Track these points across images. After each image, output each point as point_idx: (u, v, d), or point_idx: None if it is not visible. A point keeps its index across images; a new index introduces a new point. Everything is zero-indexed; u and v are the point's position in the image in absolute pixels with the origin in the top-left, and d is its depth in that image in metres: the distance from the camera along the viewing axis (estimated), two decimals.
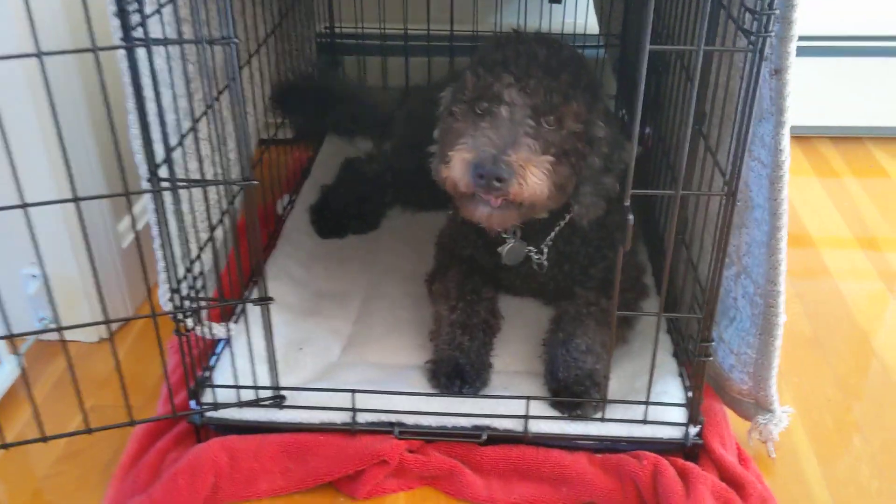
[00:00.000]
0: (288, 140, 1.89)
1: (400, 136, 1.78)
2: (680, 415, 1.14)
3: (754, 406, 1.19)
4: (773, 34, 0.93)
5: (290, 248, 1.57)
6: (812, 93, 2.16)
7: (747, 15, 0.98)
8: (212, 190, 1.30)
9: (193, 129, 1.16)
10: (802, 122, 2.21)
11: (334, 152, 1.94)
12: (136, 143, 1.06)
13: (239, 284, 1.35)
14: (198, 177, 1.17)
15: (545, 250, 1.34)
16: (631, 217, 0.98)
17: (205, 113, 1.23)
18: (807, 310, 1.58)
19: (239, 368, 1.17)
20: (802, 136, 2.25)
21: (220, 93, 1.28)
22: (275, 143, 1.71)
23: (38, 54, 0.91)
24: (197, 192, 1.22)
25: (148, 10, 0.98)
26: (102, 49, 0.92)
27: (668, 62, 1.51)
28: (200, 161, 1.16)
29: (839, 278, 1.70)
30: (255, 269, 1.12)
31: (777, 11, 0.92)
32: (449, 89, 1.29)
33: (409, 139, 1.70)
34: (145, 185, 1.06)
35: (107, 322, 1.05)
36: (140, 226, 1.53)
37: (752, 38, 0.93)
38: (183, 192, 1.12)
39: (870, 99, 2.20)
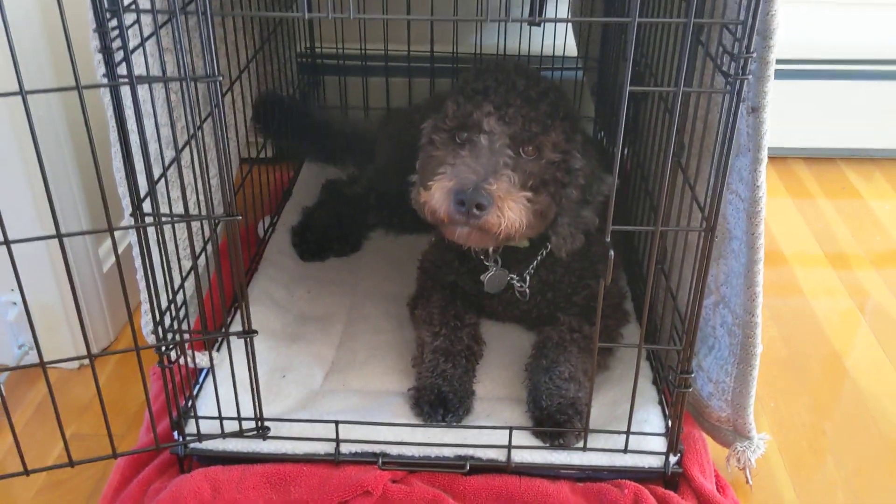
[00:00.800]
0: (269, 159, 1.89)
1: (382, 159, 1.79)
2: (660, 444, 1.16)
3: (732, 433, 1.21)
4: (750, 76, 0.95)
5: (272, 271, 1.57)
6: (787, 115, 2.20)
7: (725, 56, 1.00)
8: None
9: (177, 159, 1.16)
10: (777, 144, 2.25)
11: (316, 173, 1.95)
12: (119, 176, 1.06)
13: (221, 310, 1.35)
14: (180, 205, 1.17)
15: (527, 278, 1.36)
16: (612, 253, 0.99)
17: (187, 143, 1.23)
18: (782, 332, 1.61)
19: (222, 397, 1.17)
20: (777, 157, 2.29)
21: (202, 121, 1.28)
22: (257, 162, 1.71)
23: (22, 93, 0.91)
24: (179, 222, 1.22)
25: (130, 43, 0.99)
26: (87, 87, 0.92)
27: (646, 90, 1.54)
28: (183, 189, 1.16)
29: (812, 298, 1.73)
30: (239, 299, 1.12)
31: (755, 54, 0.94)
32: (430, 120, 1.30)
33: (391, 162, 1.71)
34: (127, 218, 1.06)
35: (90, 356, 1.04)
36: (121, 248, 1.53)
37: (730, 79, 0.95)
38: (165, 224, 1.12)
39: (843, 121, 2.25)
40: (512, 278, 1.36)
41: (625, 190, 1.65)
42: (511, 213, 1.15)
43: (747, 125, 1.03)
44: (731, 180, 1.09)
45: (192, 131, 1.20)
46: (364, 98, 2.12)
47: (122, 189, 1.07)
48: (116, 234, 1.54)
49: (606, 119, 1.91)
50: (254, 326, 1.12)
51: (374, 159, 1.87)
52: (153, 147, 1.14)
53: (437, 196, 1.15)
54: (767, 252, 1.73)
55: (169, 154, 1.19)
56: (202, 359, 1.25)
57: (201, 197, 1.25)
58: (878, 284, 1.78)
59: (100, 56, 0.96)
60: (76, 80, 0.91)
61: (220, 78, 0.99)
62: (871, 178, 2.22)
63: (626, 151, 1.70)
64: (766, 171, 1.03)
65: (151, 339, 1.12)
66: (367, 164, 1.84)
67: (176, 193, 1.21)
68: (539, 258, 1.34)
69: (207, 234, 1.32)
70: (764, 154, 1.03)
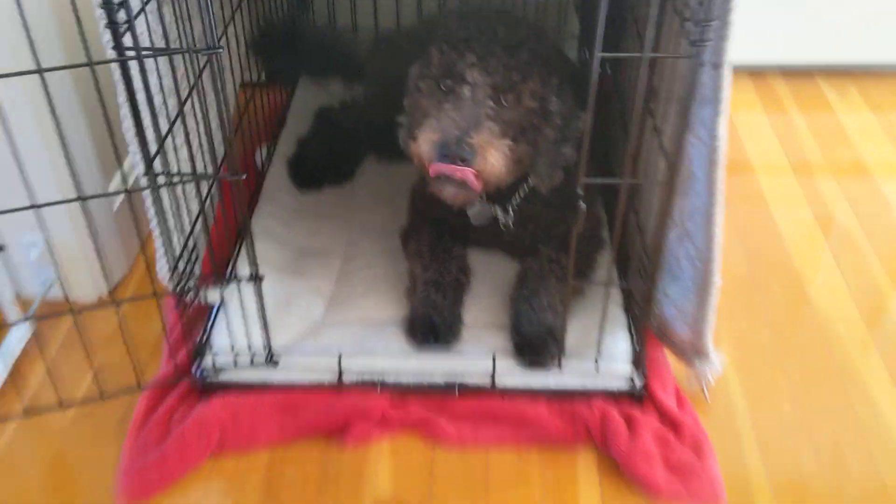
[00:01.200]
0: (262, 83, 1.93)
1: (371, 89, 1.85)
2: (627, 367, 1.29)
3: (693, 353, 1.34)
4: (712, 40, 1.03)
5: (271, 208, 1.66)
6: (765, 28, 2.24)
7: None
8: (199, 159, 1.38)
9: (181, 112, 1.23)
10: (756, 59, 2.30)
11: (308, 99, 2.01)
12: (130, 135, 1.14)
13: (227, 243, 1.45)
14: (184, 151, 1.25)
15: (511, 212, 1.45)
16: (583, 205, 1.10)
17: (189, 94, 1.30)
18: (746, 248, 1.70)
19: (234, 330, 1.30)
20: (755, 72, 2.34)
21: (202, 70, 1.35)
22: (253, 86, 1.76)
23: (39, 70, 0.99)
24: (187, 165, 1.30)
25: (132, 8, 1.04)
26: (98, 63, 1.00)
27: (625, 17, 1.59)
28: (188, 137, 1.22)
29: (775, 210, 1.82)
30: (245, 243, 1.21)
31: (717, 21, 1.01)
32: (416, 66, 1.36)
33: (380, 92, 1.77)
34: (138, 168, 1.15)
35: (115, 303, 1.16)
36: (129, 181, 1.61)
37: (695, 43, 1.02)
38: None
39: (820, 34, 2.29)
40: (496, 211, 1.46)
41: (603, 111, 1.71)
42: (493, 158, 1.23)
43: (710, 78, 1.11)
44: (696, 127, 1.18)
45: (192, 81, 1.27)
46: (352, 18, 2.14)
47: (133, 147, 1.15)
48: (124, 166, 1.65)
49: (591, 37, 1.95)
50: (257, 262, 1.21)
51: (363, 77, 1.93)
52: (158, 99, 1.21)
53: (423, 148, 1.24)
54: (735, 163, 1.80)
55: (171, 103, 1.26)
56: (213, 295, 1.36)
57: (206, 147, 1.33)
58: (840, 198, 1.86)
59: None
60: (88, 56, 0.99)
61: (221, 49, 1.06)
62: (847, 93, 2.28)
63: (606, 69, 1.76)
64: (726, 124, 1.12)
65: (168, 283, 1.24)
66: (355, 82, 1.90)
67: (180, 140, 1.29)
68: (521, 193, 1.43)
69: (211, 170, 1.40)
70: (724, 106, 1.11)
